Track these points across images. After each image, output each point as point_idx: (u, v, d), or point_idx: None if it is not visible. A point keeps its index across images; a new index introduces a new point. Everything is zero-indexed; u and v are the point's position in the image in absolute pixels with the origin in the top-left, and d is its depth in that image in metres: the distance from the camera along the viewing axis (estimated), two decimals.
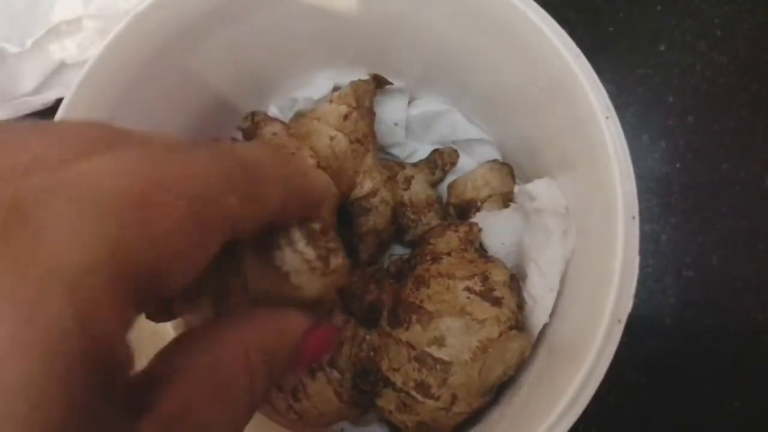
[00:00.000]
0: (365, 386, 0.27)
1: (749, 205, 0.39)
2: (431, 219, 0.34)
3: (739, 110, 0.41)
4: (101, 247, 0.10)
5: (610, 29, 0.42)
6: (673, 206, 0.40)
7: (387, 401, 0.27)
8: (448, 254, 0.29)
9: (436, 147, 0.36)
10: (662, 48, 0.42)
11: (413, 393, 0.26)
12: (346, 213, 0.31)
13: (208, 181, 0.12)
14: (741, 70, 0.41)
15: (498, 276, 0.27)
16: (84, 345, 0.09)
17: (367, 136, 0.31)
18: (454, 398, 0.26)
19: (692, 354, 0.38)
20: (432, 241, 0.30)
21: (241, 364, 0.13)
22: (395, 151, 0.37)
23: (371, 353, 0.28)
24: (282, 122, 0.32)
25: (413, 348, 0.26)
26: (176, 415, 0.12)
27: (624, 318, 0.22)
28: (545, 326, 0.27)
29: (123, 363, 0.11)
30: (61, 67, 0.40)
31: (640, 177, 0.23)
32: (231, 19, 0.29)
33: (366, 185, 0.31)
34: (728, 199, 0.39)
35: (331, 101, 0.30)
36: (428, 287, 0.27)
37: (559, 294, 0.27)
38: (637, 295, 0.22)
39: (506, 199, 0.33)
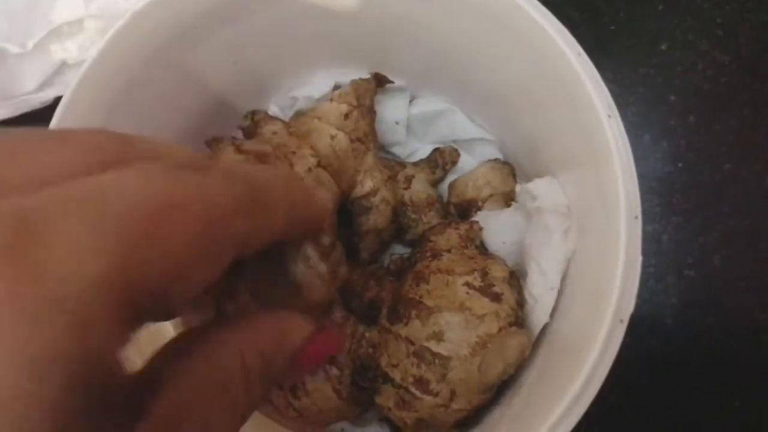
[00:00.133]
0: (364, 383, 0.27)
1: (751, 205, 0.39)
2: (432, 218, 0.33)
3: (741, 109, 0.41)
4: (104, 264, 0.10)
5: (612, 28, 0.42)
6: (674, 206, 0.39)
7: (386, 398, 0.27)
8: (448, 251, 0.29)
9: (437, 146, 0.36)
10: (664, 47, 0.42)
11: (412, 389, 0.26)
12: (347, 212, 0.31)
13: (219, 203, 0.12)
14: (743, 69, 0.41)
15: (498, 272, 0.27)
16: (78, 365, 0.09)
17: (367, 135, 0.31)
18: (453, 394, 0.26)
19: (694, 354, 0.38)
20: (432, 238, 0.30)
21: (239, 367, 0.13)
22: (396, 150, 0.37)
23: (370, 350, 0.28)
24: (282, 121, 0.32)
25: (412, 343, 0.26)
26: (173, 416, 0.12)
27: (626, 318, 0.22)
28: (546, 326, 0.27)
29: (117, 375, 0.11)
30: (63, 66, 0.40)
31: (641, 177, 0.23)
32: (231, 18, 0.29)
33: (367, 184, 0.31)
34: (730, 199, 0.39)
35: (331, 100, 0.30)
36: (428, 283, 0.27)
37: (560, 294, 0.27)
38: (638, 295, 0.22)
39: (507, 199, 0.33)
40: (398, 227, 0.33)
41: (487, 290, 0.26)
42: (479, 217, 0.32)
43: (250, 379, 0.13)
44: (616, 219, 0.23)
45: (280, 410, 0.28)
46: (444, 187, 0.36)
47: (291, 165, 0.27)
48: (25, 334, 0.09)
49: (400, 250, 0.35)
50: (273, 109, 0.35)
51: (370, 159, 0.31)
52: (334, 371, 0.27)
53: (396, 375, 0.26)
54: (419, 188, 0.34)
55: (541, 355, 0.27)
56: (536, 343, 0.27)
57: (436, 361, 0.25)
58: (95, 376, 0.10)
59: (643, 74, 0.42)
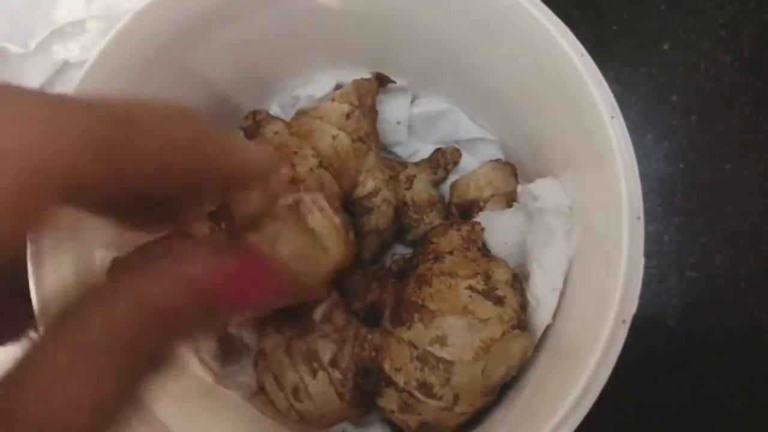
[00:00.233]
0: (367, 386, 0.27)
1: (753, 205, 0.39)
2: (433, 219, 0.33)
3: (743, 109, 0.41)
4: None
5: (614, 28, 0.42)
6: (676, 206, 0.39)
7: (389, 401, 0.27)
8: (451, 253, 0.29)
9: (439, 146, 0.36)
10: (666, 47, 0.42)
11: (415, 393, 0.26)
12: (348, 212, 0.31)
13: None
14: (745, 69, 0.41)
15: (500, 275, 0.27)
16: None
17: (369, 135, 0.31)
18: (456, 398, 0.26)
19: (695, 354, 0.38)
20: (434, 240, 0.30)
21: (129, 322, 0.13)
22: (397, 150, 0.36)
23: (373, 353, 0.27)
24: (284, 121, 0.32)
25: (415, 347, 0.26)
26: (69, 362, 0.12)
27: (629, 319, 0.22)
28: (548, 327, 0.27)
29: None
30: (65, 66, 0.40)
31: (643, 177, 0.23)
32: (232, 17, 0.29)
33: (368, 184, 0.31)
34: (732, 199, 0.39)
35: (333, 100, 0.30)
36: (430, 286, 0.27)
37: (563, 294, 0.27)
38: (640, 296, 0.22)
39: (509, 199, 0.33)
40: (400, 227, 0.33)
41: (490, 294, 0.26)
42: (481, 217, 0.32)
43: (137, 330, 0.13)
44: (618, 219, 0.23)
45: (281, 412, 0.28)
46: (446, 187, 0.36)
47: (293, 165, 0.27)
48: None
49: (401, 250, 0.35)
50: (275, 109, 0.35)
51: (371, 159, 0.31)
52: (337, 374, 0.27)
53: (399, 379, 0.26)
54: (421, 188, 0.34)
55: (543, 356, 0.27)
56: (539, 344, 0.27)
57: (440, 365, 0.25)
58: None
59: (645, 74, 0.41)
